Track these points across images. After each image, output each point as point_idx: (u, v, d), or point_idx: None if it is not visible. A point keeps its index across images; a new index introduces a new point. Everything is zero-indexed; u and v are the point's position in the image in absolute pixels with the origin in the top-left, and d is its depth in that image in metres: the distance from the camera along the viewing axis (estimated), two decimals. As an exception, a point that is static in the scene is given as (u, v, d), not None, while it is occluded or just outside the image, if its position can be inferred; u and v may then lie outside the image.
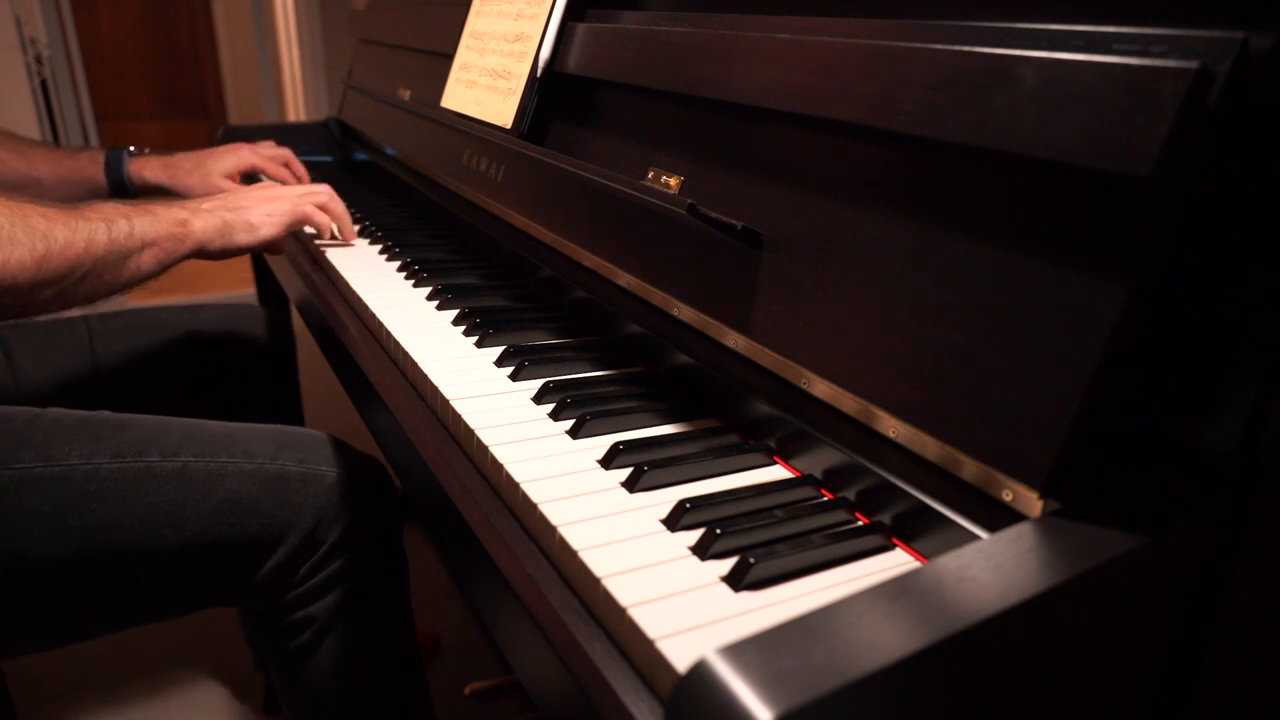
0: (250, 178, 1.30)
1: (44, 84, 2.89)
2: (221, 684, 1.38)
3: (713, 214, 0.64)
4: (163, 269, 0.87)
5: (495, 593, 0.52)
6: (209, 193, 1.18)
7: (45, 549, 0.75)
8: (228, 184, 1.23)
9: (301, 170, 1.35)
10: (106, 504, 0.77)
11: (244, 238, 0.94)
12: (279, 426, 0.90)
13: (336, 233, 1.08)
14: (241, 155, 1.28)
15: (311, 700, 0.88)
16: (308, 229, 1.08)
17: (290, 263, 1.08)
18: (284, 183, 1.29)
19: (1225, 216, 0.43)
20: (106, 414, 0.85)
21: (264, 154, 1.31)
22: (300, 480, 0.84)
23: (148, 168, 1.23)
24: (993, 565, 0.39)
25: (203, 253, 0.91)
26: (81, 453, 0.78)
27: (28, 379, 1.05)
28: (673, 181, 0.73)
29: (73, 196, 1.20)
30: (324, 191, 1.05)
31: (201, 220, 0.90)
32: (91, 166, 1.21)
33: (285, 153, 1.34)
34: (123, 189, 1.23)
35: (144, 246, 0.84)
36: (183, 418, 0.88)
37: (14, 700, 1.22)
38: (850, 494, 0.54)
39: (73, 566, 0.76)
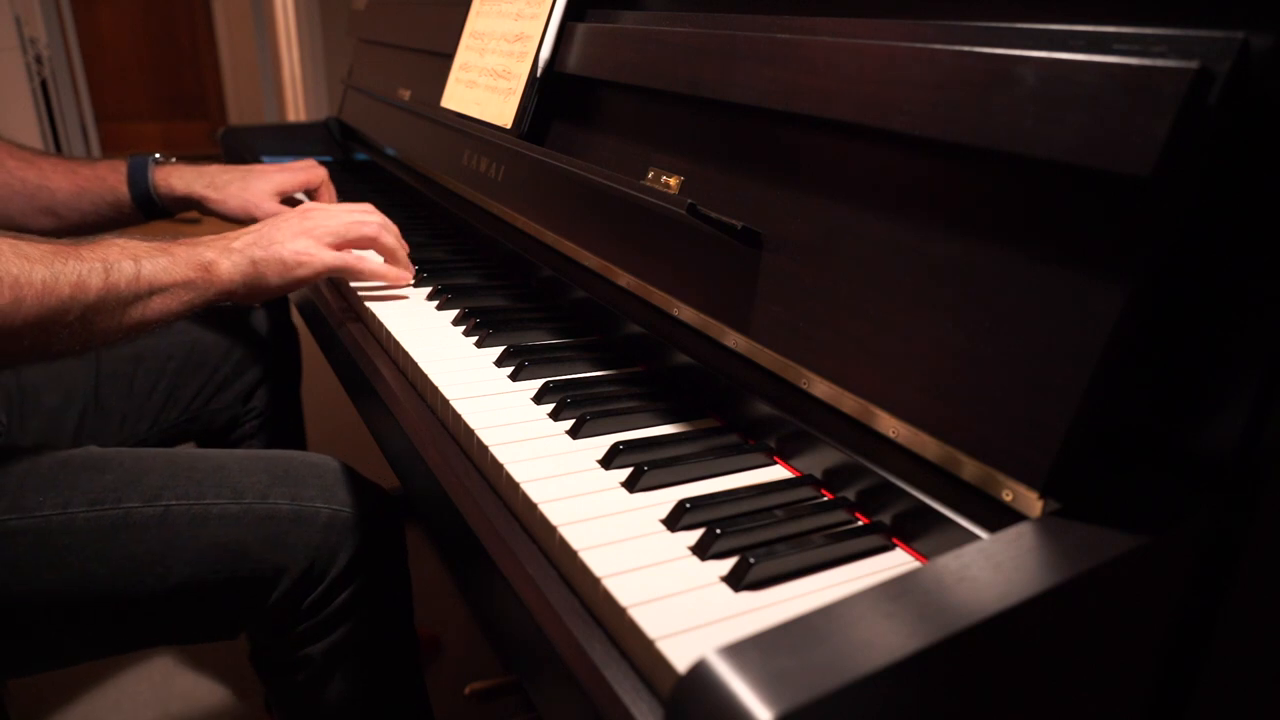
0: (289, 200, 1.18)
1: (44, 84, 2.89)
2: (221, 682, 1.39)
3: (713, 214, 0.64)
4: (177, 316, 0.78)
5: (495, 593, 0.52)
6: (246, 210, 1.09)
7: (23, 595, 0.71)
8: (273, 205, 1.10)
9: (326, 192, 1.19)
10: (83, 557, 0.72)
11: (275, 280, 0.82)
12: (273, 453, 0.85)
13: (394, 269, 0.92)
14: (287, 175, 1.14)
15: None
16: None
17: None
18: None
19: (1225, 216, 0.43)
20: (91, 450, 0.80)
21: (304, 168, 1.17)
22: (293, 520, 0.79)
23: (176, 176, 1.11)
24: (993, 565, 0.39)
25: (230, 297, 0.81)
26: (55, 502, 0.73)
27: (31, 381, 1.04)
28: (673, 181, 0.73)
29: (90, 210, 1.11)
30: (373, 223, 0.90)
31: (229, 262, 0.79)
32: (112, 176, 1.10)
33: (322, 174, 1.18)
34: (148, 201, 1.11)
35: (152, 292, 0.74)
36: (169, 449, 0.84)
37: (12, 697, 1.22)
38: (850, 494, 0.54)
39: (52, 611, 0.73)
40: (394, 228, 0.92)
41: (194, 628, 0.82)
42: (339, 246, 0.88)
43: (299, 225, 0.85)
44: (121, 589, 0.74)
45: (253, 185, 1.11)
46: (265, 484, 0.80)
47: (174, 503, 0.76)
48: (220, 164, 1.16)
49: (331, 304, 0.93)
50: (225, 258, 0.80)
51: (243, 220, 1.10)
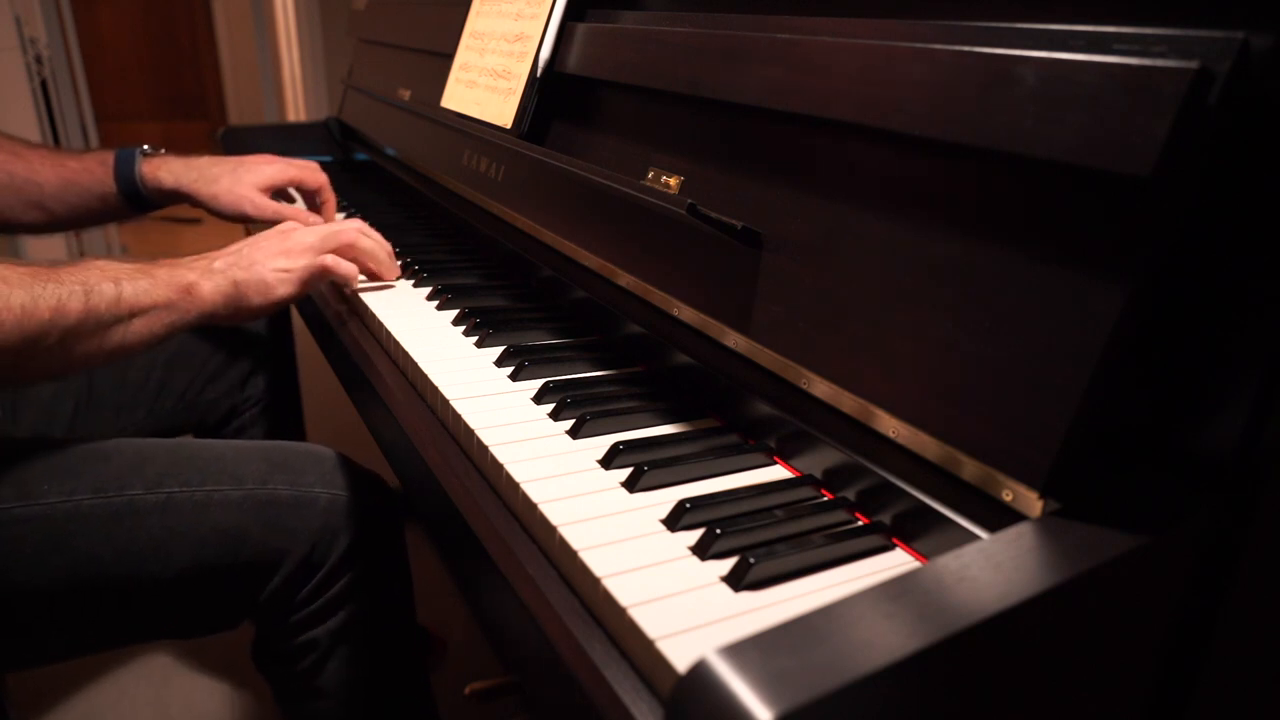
0: (279, 195, 1.16)
1: (44, 84, 2.89)
2: (220, 681, 1.38)
3: (713, 214, 0.64)
4: (158, 340, 0.77)
5: (495, 593, 0.52)
6: (238, 205, 1.08)
7: (28, 583, 0.72)
8: (261, 199, 1.08)
9: (330, 197, 1.15)
10: (89, 541, 0.74)
11: (257, 300, 0.82)
12: (272, 443, 0.87)
13: (376, 270, 0.93)
14: (278, 168, 1.11)
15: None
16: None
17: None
18: (303, 209, 1.13)
19: (1225, 216, 0.43)
20: (93, 441, 0.81)
21: (299, 165, 1.14)
22: (293, 504, 0.80)
23: (165, 169, 1.09)
24: (993, 565, 0.39)
25: (212, 319, 0.80)
26: (61, 490, 0.74)
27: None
28: (673, 181, 0.73)
29: (78, 203, 1.09)
30: (349, 229, 0.89)
31: (211, 284, 0.79)
32: (100, 169, 1.08)
33: (322, 179, 1.15)
34: (135, 194, 1.09)
35: (133, 315, 0.74)
36: (170, 439, 0.85)
37: (11, 696, 1.21)
38: (850, 494, 0.54)
39: (57, 598, 0.74)
40: (374, 233, 0.93)
41: (195, 617, 0.83)
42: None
43: (279, 245, 0.85)
44: (126, 575, 0.75)
45: (243, 179, 1.09)
46: (265, 471, 0.82)
47: (176, 490, 0.78)
48: (211, 155, 1.14)
49: (331, 302, 0.93)
50: (207, 279, 0.79)
51: (233, 216, 1.08)
